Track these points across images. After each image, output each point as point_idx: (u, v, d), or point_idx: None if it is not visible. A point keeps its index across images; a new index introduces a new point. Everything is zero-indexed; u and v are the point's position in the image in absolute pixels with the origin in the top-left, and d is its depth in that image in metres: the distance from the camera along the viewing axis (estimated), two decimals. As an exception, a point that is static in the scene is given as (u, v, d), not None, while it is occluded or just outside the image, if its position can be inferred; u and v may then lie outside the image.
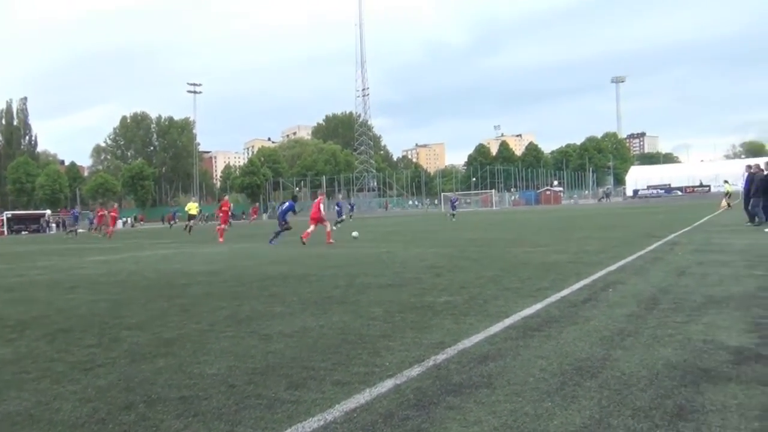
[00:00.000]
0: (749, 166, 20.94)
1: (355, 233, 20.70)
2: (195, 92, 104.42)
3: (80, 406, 3.68)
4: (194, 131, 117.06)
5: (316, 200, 19.80)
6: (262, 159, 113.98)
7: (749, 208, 19.38)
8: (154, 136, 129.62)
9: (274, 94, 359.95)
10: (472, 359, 4.28)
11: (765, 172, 18.85)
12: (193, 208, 33.88)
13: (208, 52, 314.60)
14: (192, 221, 33.17)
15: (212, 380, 4.08)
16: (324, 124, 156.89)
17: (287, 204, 20.56)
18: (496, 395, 3.51)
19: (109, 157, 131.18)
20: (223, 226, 24.52)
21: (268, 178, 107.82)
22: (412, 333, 5.23)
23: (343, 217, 34.25)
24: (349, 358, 4.49)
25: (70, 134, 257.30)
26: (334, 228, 23.97)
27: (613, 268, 9.25)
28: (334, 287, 8.45)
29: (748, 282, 7.35)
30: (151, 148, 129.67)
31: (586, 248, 12.87)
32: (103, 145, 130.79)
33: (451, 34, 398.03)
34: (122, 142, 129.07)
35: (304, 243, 17.55)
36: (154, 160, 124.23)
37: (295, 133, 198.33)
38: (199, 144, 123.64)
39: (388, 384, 3.80)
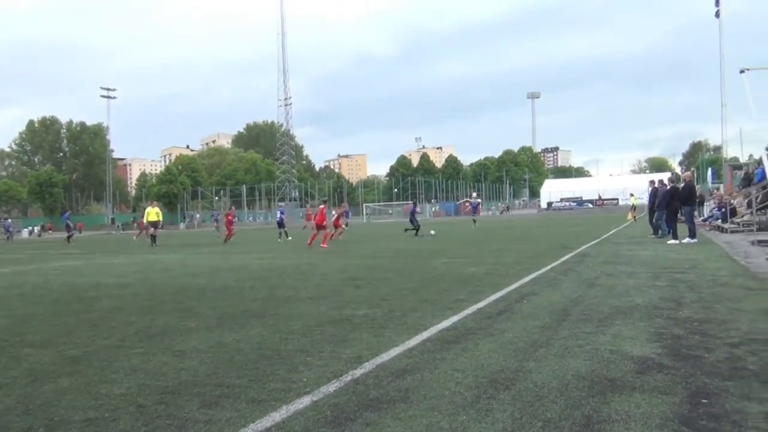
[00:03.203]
0: (652, 181, 22.13)
1: (432, 231, 28.07)
2: (109, 97, 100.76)
3: (-27, 432, 3.44)
4: (107, 137, 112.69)
5: (321, 207, 22.71)
6: (180, 167, 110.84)
7: (653, 221, 20.49)
8: (65, 141, 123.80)
9: (193, 101, 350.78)
10: (390, 373, 4.29)
11: (667, 187, 19.96)
12: (153, 213, 28.14)
13: (123, 57, 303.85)
14: (153, 229, 27.70)
15: (120, 400, 3.90)
16: (245, 132, 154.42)
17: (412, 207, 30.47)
18: (413, 410, 3.53)
19: (14, 162, 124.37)
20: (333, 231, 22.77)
21: (186, 186, 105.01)
22: (331, 347, 5.19)
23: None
24: (266, 374, 4.40)
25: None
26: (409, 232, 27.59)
27: (527, 280, 9.53)
28: (252, 300, 8.29)
29: (651, 293, 7.74)
30: (61, 154, 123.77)
31: (502, 260, 13.21)
32: (8, 150, 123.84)
33: (376, 45, 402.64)
34: (29, 148, 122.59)
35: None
36: (63, 167, 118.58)
37: (214, 141, 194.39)
38: (113, 151, 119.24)
39: (305, 401, 3.75)
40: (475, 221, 39.85)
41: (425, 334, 5.56)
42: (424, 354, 4.84)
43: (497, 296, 7.86)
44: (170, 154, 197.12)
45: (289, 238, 28.67)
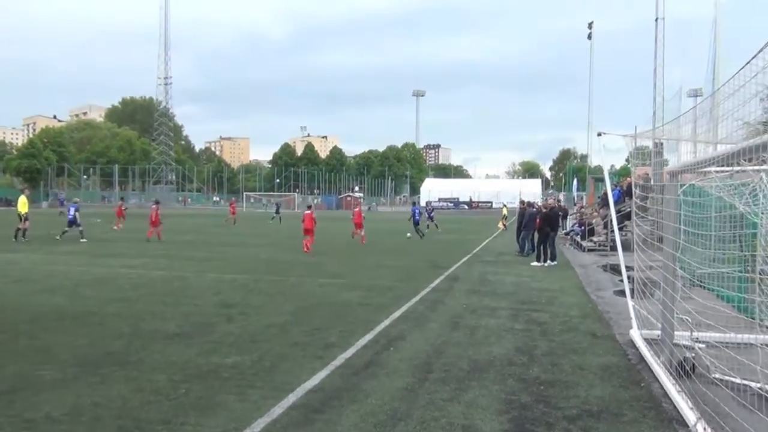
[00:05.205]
0: (522, 202, 23.55)
1: (408, 234, 28.77)
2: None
3: None
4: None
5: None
6: (46, 140, 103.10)
7: (519, 239, 21.83)
8: None
9: (63, 65, 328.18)
10: (252, 460, 4.36)
11: (534, 209, 21.36)
12: (23, 204, 23.87)
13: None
14: (26, 223, 23.47)
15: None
16: (120, 107, 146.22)
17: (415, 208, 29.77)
18: None
19: None
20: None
21: (51, 162, 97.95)
22: (195, 416, 5.17)
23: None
24: (123, 460, 4.33)
25: None
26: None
27: (397, 315, 9.87)
28: (116, 336, 8.02)
29: (508, 340, 8.29)
30: None
31: (377, 282, 13.55)
32: None
33: (266, 26, 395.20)
34: None
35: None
36: None
37: (85, 114, 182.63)
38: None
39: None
40: (436, 226, 34.82)
41: (291, 399, 5.66)
42: (288, 430, 4.94)
43: (367, 339, 8.11)
44: (34, 123, 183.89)
45: (83, 239, 24.16)
